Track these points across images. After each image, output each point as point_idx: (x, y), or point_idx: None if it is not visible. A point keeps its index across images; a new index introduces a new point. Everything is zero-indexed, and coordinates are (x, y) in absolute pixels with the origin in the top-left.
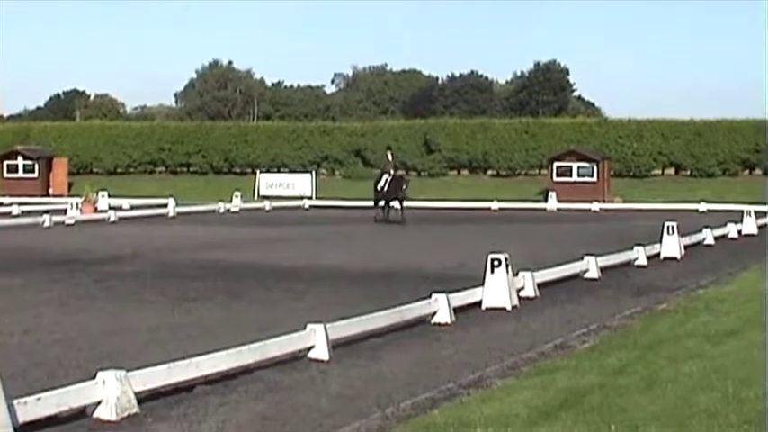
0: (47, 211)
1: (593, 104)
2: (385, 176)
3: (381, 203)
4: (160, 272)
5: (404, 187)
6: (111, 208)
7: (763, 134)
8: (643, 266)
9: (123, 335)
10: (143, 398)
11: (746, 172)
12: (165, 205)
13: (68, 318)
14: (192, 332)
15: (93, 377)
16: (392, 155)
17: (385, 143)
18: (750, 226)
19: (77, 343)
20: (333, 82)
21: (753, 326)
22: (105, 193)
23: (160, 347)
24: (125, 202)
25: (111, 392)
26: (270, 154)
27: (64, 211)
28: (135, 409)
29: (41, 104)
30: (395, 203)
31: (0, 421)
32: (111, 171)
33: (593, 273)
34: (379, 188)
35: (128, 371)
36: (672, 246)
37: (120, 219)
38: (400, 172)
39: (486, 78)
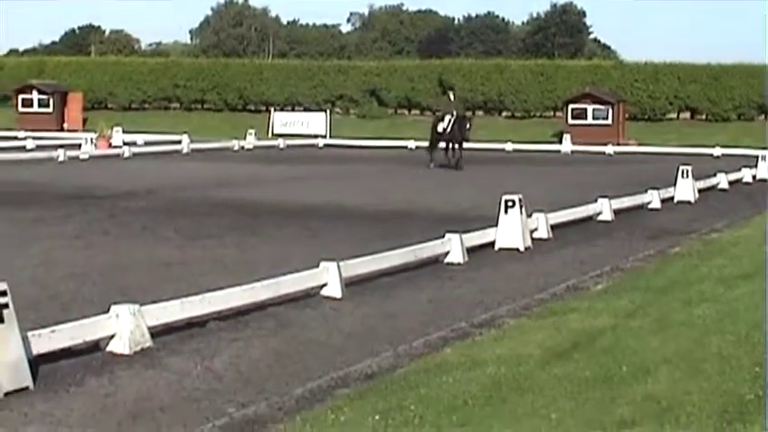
0: (61, 146)
1: (609, 47)
2: (447, 117)
3: (442, 145)
4: (174, 208)
5: (467, 127)
6: (125, 144)
7: None
8: (657, 210)
9: (137, 270)
10: (156, 332)
11: (762, 117)
12: (180, 142)
13: (82, 252)
14: (206, 268)
15: (107, 311)
16: (454, 95)
17: (400, 83)
18: (765, 171)
19: (91, 277)
20: (348, 21)
21: (766, 269)
22: (120, 129)
23: (173, 283)
24: (139, 138)
25: (124, 326)
26: (284, 92)
27: (78, 146)
28: (148, 344)
29: (56, 39)
30: (454, 145)
31: (14, 353)
32: (126, 107)
33: (607, 215)
34: (440, 129)
35: (141, 305)
36: (686, 189)
37: (135, 155)
38: (462, 113)
39: (503, 19)
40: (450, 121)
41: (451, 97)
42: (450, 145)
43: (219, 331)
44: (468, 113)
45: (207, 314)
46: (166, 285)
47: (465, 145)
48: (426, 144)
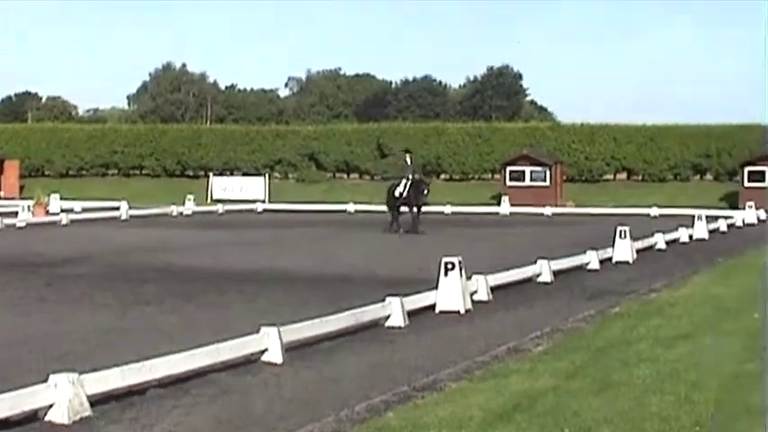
0: None
1: (545, 109)
2: (404, 181)
3: (399, 209)
4: (112, 274)
5: (425, 192)
6: (62, 210)
7: (712, 140)
8: (596, 270)
9: (75, 337)
10: (96, 401)
11: (697, 177)
12: (118, 208)
13: (20, 320)
14: (145, 335)
15: (46, 380)
16: (411, 158)
17: (338, 147)
18: (701, 230)
19: (29, 345)
20: (286, 85)
21: (704, 330)
22: (57, 196)
23: (113, 350)
24: (77, 205)
25: (63, 395)
26: (223, 157)
27: (15, 214)
28: (88, 412)
29: None
30: (412, 209)
31: None
32: (63, 173)
33: (546, 276)
34: (397, 194)
35: (80, 373)
36: (624, 250)
37: (72, 221)
38: (418, 176)
39: (440, 82)
40: (406, 185)
41: (408, 161)
42: (408, 209)
43: (160, 399)
44: (423, 176)
45: (147, 381)
46: (106, 352)
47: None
48: (386, 208)
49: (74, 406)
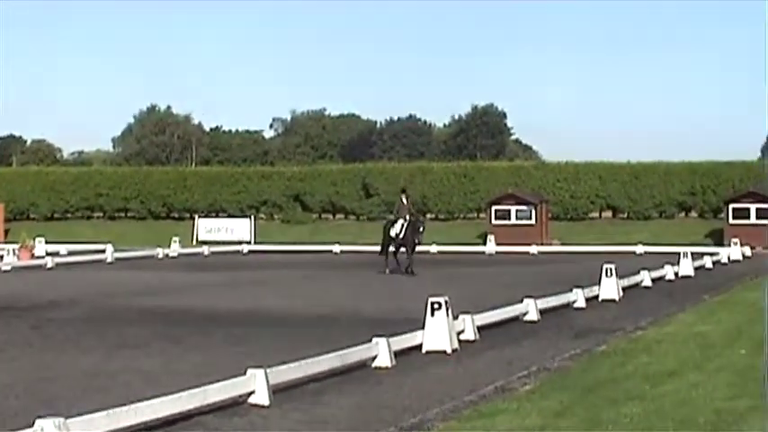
0: None
1: (530, 147)
2: (400, 222)
3: (393, 249)
4: (98, 318)
5: (421, 231)
6: (48, 254)
7: (696, 177)
8: (582, 308)
9: (61, 381)
10: None
11: (682, 214)
12: (103, 251)
13: (5, 365)
14: (132, 378)
15: (32, 425)
16: (407, 198)
17: (324, 187)
18: (687, 268)
19: (14, 390)
20: (271, 126)
21: (691, 367)
22: (42, 239)
23: (99, 394)
24: (62, 248)
25: None
26: (208, 199)
27: (0, 258)
28: None
29: None
30: (408, 249)
31: None
32: (48, 217)
33: (533, 315)
34: (393, 234)
35: (66, 418)
36: (610, 288)
37: (58, 264)
38: (415, 217)
39: (425, 122)
40: (402, 225)
41: (404, 200)
42: (402, 249)
43: None
44: (419, 216)
45: (134, 425)
46: (92, 396)
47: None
48: (378, 249)
49: None
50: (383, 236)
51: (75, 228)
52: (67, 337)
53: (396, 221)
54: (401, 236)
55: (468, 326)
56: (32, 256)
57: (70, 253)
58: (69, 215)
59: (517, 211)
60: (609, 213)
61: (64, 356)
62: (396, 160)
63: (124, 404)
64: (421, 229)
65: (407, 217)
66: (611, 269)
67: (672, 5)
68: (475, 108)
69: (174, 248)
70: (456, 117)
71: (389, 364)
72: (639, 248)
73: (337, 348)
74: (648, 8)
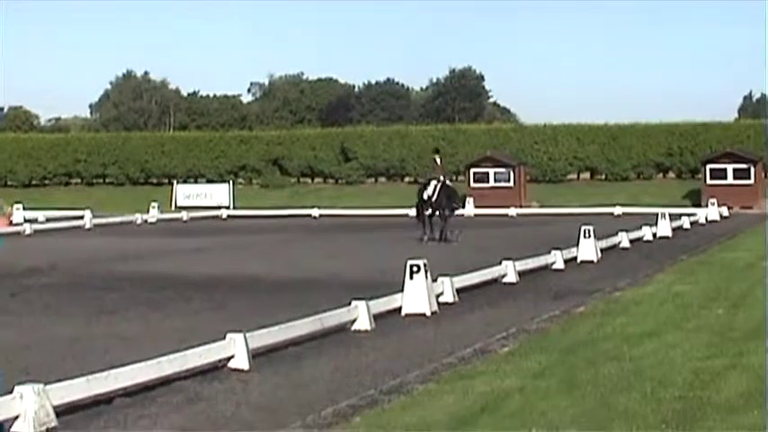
0: None
1: (508, 110)
2: (433, 183)
3: (428, 213)
4: (77, 284)
5: (455, 202)
6: (26, 221)
7: (674, 138)
8: (560, 270)
9: (41, 348)
10: (62, 411)
11: (660, 175)
12: (82, 217)
13: None
14: (111, 344)
15: (11, 391)
16: (440, 159)
17: (302, 152)
18: (665, 228)
19: None
20: (249, 91)
21: (669, 327)
22: (20, 206)
23: (78, 360)
24: (41, 215)
25: (28, 406)
26: (187, 164)
27: None
28: (53, 423)
29: None
30: (443, 213)
31: None
32: (27, 183)
33: (512, 277)
34: (425, 197)
35: (45, 384)
36: (588, 249)
37: (36, 231)
38: (448, 178)
39: (402, 85)
40: (435, 187)
41: (438, 161)
42: (437, 213)
43: (126, 408)
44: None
45: (113, 391)
46: (71, 363)
47: (371, 212)
48: (414, 213)
49: (39, 417)
50: (417, 199)
51: (54, 194)
52: (46, 304)
53: (429, 183)
54: (434, 198)
55: (447, 288)
56: (10, 223)
57: (48, 219)
58: (47, 182)
59: (495, 173)
60: (587, 175)
61: (43, 323)
62: (374, 124)
63: (103, 370)
64: (456, 201)
65: (441, 178)
66: (589, 231)
67: None
68: (453, 71)
69: (153, 214)
70: (434, 80)
71: (369, 328)
72: (617, 210)
73: (317, 312)
74: None
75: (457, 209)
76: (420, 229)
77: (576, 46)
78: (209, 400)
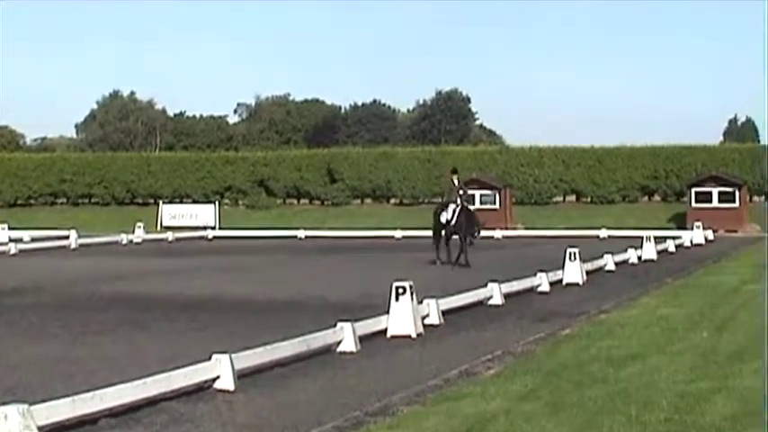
0: None
1: (494, 133)
2: (452, 206)
3: (447, 237)
4: (62, 304)
5: (476, 227)
6: (11, 240)
7: (659, 161)
8: (546, 293)
9: (25, 368)
10: None
11: (645, 198)
12: (67, 237)
13: None
14: (96, 364)
15: None
16: (458, 179)
17: (288, 173)
18: (650, 251)
19: None
20: (235, 112)
21: (654, 350)
22: (5, 226)
23: (63, 380)
24: (26, 234)
25: (13, 427)
26: (173, 184)
27: None
28: None
29: None
30: (462, 238)
31: None
32: (12, 203)
33: (497, 299)
34: (443, 220)
35: (30, 404)
36: (574, 272)
37: (21, 251)
38: (467, 201)
39: (389, 107)
40: (454, 210)
41: (455, 182)
42: (456, 238)
43: (111, 429)
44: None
45: (98, 411)
46: (56, 383)
47: (357, 233)
48: (431, 235)
49: None
50: (433, 222)
51: (39, 214)
52: (31, 324)
53: (447, 206)
54: (452, 222)
55: (433, 310)
56: None
57: (34, 239)
58: (33, 201)
59: (481, 195)
60: (572, 198)
61: (27, 343)
62: (360, 145)
63: (89, 390)
64: (477, 224)
65: (458, 200)
66: (574, 253)
67: None
68: (439, 93)
69: (139, 234)
70: (420, 102)
71: (354, 349)
72: (603, 232)
73: (302, 333)
74: None
75: (478, 234)
76: (435, 252)
77: (563, 69)
78: (194, 421)
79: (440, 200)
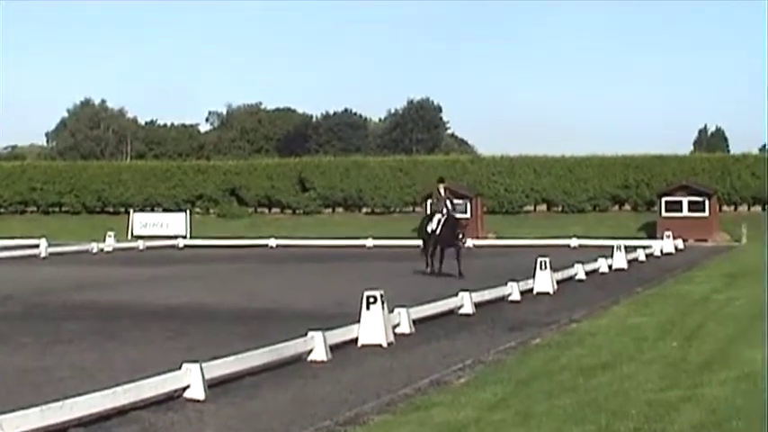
0: None
1: (466, 142)
2: (437, 216)
3: (431, 248)
4: (32, 313)
5: (460, 235)
6: None
7: (630, 170)
8: (517, 302)
9: None
10: None
11: (616, 207)
12: (37, 246)
13: None
14: (66, 374)
15: None
16: (445, 189)
17: (260, 181)
18: (620, 261)
19: None
20: (207, 120)
21: (624, 359)
22: None
23: (33, 390)
24: None
25: None
26: (144, 193)
27: None
28: None
29: None
30: (444, 249)
31: None
32: None
33: (468, 308)
34: (429, 230)
35: None
36: (545, 281)
37: None
38: (456, 214)
39: (360, 116)
40: (439, 221)
41: (441, 192)
42: (442, 250)
43: None
44: (458, 217)
45: (68, 421)
46: (25, 393)
47: (329, 242)
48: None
49: None
50: (420, 232)
51: (9, 223)
52: (0, 334)
53: (433, 216)
54: (437, 232)
55: (404, 319)
56: None
57: (3, 248)
58: (2, 210)
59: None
60: (544, 207)
61: None
62: (332, 154)
63: (58, 400)
64: (461, 233)
65: (444, 211)
66: (545, 262)
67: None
68: (411, 102)
69: (109, 243)
70: (392, 111)
71: (325, 358)
72: (574, 242)
73: (273, 342)
74: (584, 2)
75: (463, 242)
76: (425, 261)
77: (534, 78)
78: (164, 431)
79: (412, 209)
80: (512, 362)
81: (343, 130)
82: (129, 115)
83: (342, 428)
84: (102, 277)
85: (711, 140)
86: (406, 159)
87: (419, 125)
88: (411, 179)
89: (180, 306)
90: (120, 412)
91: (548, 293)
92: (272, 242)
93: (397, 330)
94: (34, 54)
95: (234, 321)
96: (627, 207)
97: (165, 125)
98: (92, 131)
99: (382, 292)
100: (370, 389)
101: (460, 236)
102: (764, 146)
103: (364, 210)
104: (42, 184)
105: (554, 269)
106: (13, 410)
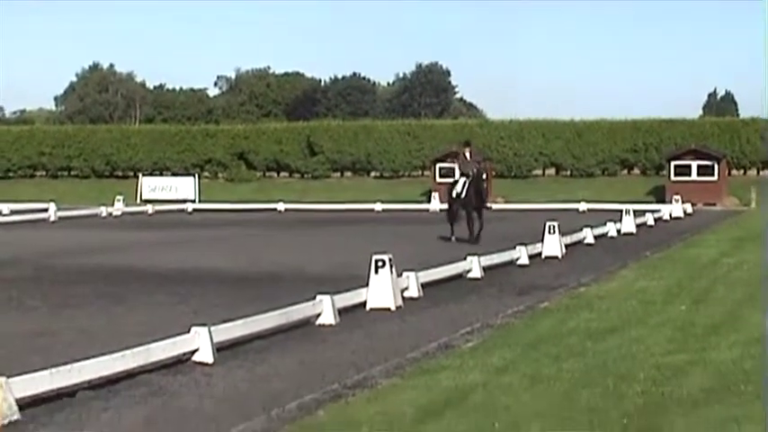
0: None
1: (474, 106)
2: (463, 179)
3: (459, 212)
4: (41, 277)
5: (484, 186)
6: None
7: (639, 134)
8: (525, 266)
9: (3, 341)
10: (24, 404)
11: (625, 171)
12: (46, 210)
13: None
14: (75, 337)
15: None
16: (471, 152)
17: (268, 146)
18: (629, 225)
19: None
20: (215, 84)
21: (632, 323)
22: None
23: (42, 353)
24: (5, 207)
25: None
26: (152, 157)
27: None
28: (16, 416)
29: None
30: (471, 212)
31: None
32: None
33: (477, 272)
34: (455, 194)
35: (8, 377)
36: (553, 245)
37: (0, 224)
38: (480, 172)
39: (369, 80)
40: (465, 183)
41: (467, 155)
42: (469, 213)
43: (90, 401)
44: (484, 168)
45: (77, 384)
46: (34, 356)
47: (337, 206)
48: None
49: (2, 410)
50: (447, 197)
51: (18, 187)
52: (9, 297)
53: (458, 180)
54: (463, 196)
55: (413, 283)
56: None
57: (12, 212)
58: (12, 174)
59: None
60: (552, 171)
61: (6, 316)
62: (340, 118)
63: (67, 363)
64: (484, 185)
65: (470, 173)
66: (553, 226)
67: None
68: (419, 66)
69: (118, 207)
70: (400, 75)
71: (333, 322)
72: (582, 206)
73: (281, 306)
74: None
75: (489, 207)
76: (449, 228)
77: (543, 42)
78: (173, 393)
79: (420, 173)
80: (520, 326)
81: (352, 94)
82: (138, 79)
83: (350, 392)
84: (110, 241)
85: (721, 104)
86: (415, 123)
87: (428, 89)
88: (419, 143)
89: (188, 270)
90: (129, 375)
91: (556, 257)
92: (281, 206)
93: (406, 294)
94: (43, 18)
95: (242, 285)
96: (636, 171)
97: (173, 89)
98: (100, 95)
99: (391, 255)
100: (378, 352)
101: (483, 198)
102: None
103: (373, 174)
104: (51, 149)
105: (562, 233)
106: (23, 373)
